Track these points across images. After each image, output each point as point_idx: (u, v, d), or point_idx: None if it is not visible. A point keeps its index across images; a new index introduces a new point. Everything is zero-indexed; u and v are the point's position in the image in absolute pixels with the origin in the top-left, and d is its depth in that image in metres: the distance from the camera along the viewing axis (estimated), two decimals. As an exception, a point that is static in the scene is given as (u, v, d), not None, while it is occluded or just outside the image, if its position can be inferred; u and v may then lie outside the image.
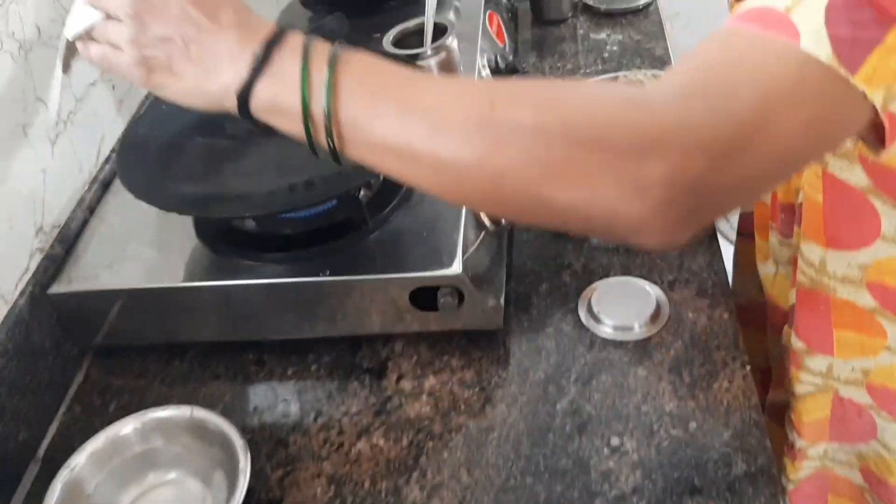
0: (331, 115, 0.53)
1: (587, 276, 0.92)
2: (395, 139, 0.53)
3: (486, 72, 1.11)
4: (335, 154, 0.55)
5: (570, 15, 1.39)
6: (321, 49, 0.54)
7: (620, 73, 1.15)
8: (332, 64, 0.53)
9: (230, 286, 0.84)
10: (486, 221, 0.90)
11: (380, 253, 0.84)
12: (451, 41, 1.03)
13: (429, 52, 1.02)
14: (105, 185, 0.98)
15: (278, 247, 0.86)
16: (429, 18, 1.06)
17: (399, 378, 0.85)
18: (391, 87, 0.54)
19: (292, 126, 0.55)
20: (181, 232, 0.89)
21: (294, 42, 0.55)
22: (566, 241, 0.97)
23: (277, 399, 0.85)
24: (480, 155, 0.51)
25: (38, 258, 0.87)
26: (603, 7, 1.38)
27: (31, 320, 0.84)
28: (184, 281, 0.85)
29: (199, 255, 0.88)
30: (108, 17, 0.60)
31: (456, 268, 0.80)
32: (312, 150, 0.56)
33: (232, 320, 0.88)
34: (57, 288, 0.86)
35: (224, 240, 0.87)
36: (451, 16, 1.20)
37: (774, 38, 0.48)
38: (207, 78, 0.57)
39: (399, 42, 1.06)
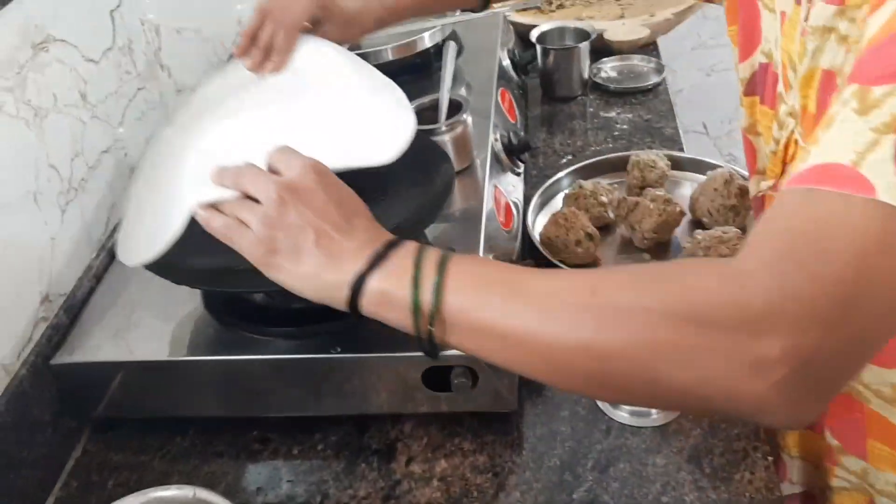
0: (438, 310, 0.56)
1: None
2: (500, 325, 0.55)
3: (498, 146, 1.11)
4: (433, 344, 0.58)
5: (580, 93, 1.40)
6: (434, 251, 0.59)
7: (632, 153, 1.15)
8: (444, 261, 0.57)
9: (236, 361, 0.82)
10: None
11: (393, 330, 0.82)
12: (466, 117, 1.03)
13: (443, 128, 1.02)
14: (113, 254, 0.97)
15: (288, 321, 0.84)
16: (443, 94, 1.06)
17: (409, 461, 0.82)
18: (496, 279, 0.57)
19: (400, 317, 0.59)
20: (188, 302, 0.87)
21: (411, 245, 0.60)
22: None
23: (282, 480, 0.82)
24: (587, 339, 0.51)
25: (42, 327, 0.85)
26: (613, 86, 1.40)
27: (32, 391, 0.81)
28: (188, 354, 0.83)
29: (205, 327, 0.86)
30: (245, 195, 0.64)
31: (471, 348, 0.78)
32: (418, 338, 0.59)
33: (236, 396, 0.85)
34: (59, 358, 0.84)
35: (232, 312, 0.85)
36: (464, 91, 1.21)
37: (851, 194, 0.47)
38: (328, 268, 0.60)
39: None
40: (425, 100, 1.08)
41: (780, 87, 0.69)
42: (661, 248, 1.04)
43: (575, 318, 0.52)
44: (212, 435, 0.87)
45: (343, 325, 0.82)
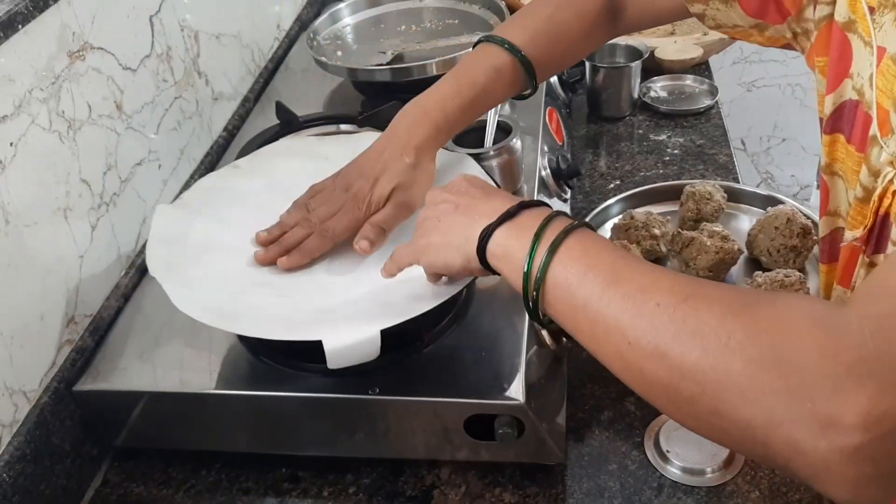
0: (545, 273, 0.57)
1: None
2: (593, 310, 0.55)
3: (546, 172, 1.06)
4: (536, 308, 0.59)
5: (628, 113, 1.35)
6: (562, 220, 0.60)
7: (686, 182, 1.09)
8: (565, 232, 0.58)
9: (267, 397, 0.77)
10: (548, 340, 0.83)
11: (434, 371, 0.77)
12: (515, 142, 0.98)
13: (491, 153, 0.97)
14: (143, 271, 0.93)
15: (323, 357, 0.79)
16: (491, 116, 1.01)
17: (445, 511, 0.77)
18: (604, 263, 0.56)
19: (514, 274, 0.60)
20: (219, 330, 0.83)
21: (544, 209, 0.62)
22: (629, 364, 0.90)
23: (311, 525, 0.78)
24: (664, 346, 0.50)
25: (66, 351, 0.81)
26: (663, 107, 1.34)
27: (53, 420, 0.77)
28: (217, 386, 0.78)
29: (236, 358, 0.81)
30: None
31: (518, 395, 0.73)
32: (525, 299, 0.59)
33: (266, 432, 0.81)
34: (83, 385, 0.80)
35: (266, 344, 0.80)
36: (509, 110, 1.16)
37: None
38: (466, 227, 0.64)
39: (459, 139, 1.01)
40: (476, 123, 1.03)
41: (875, 130, 0.64)
42: (715, 287, 0.99)
43: (659, 321, 0.50)
44: (239, 469, 0.83)
45: (382, 363, 0.77)
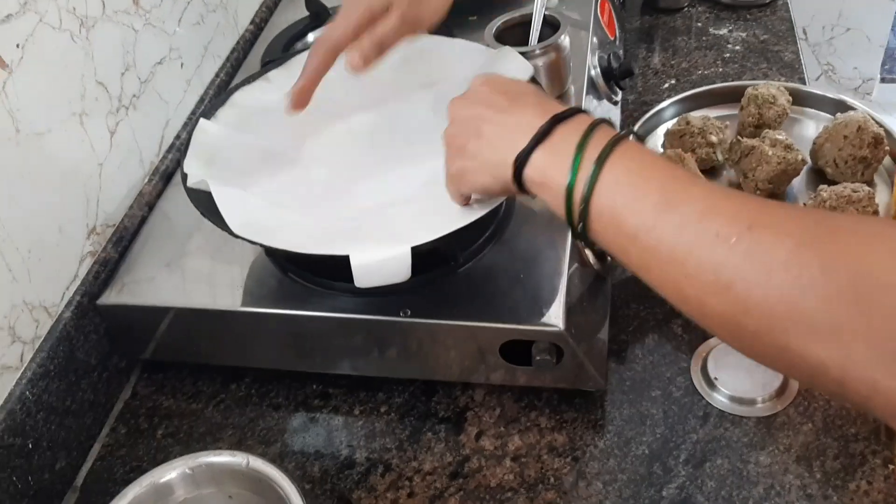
0: (589, 201, 0.52)
1: (701, 329, 0.80)
2: (644, 237, 0.50)
3: (596, 71, 0.98)
4: (585, 236, 0.54)
5: (686, 4, 1.24)
6: (603, 134, 0.54)
7: (748, 84, 1.00)
8: (608, 148, 0.52)
9: (295, 316, 0.74)
10: (591, 259, 0.78)
11: (468, 293, 0.73)
12: (563, 39, 0.90)
13: (537, 51, 0.89)
14: (167, 178, 0.89)
15: (352, 275, 0.75)
16: (537, 9, 0.92)
17: (479, 434, 0.75)
18: (656, 183, 0.51)
19: (555, 202, 0.55)
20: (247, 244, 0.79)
21: (580, 122, 0.55)
22: (677, 283, 0.85)
23: (342, 444, 0.75)
24: (726, 280, 0.45)
25: (88, 263, 0.78)
26: (725, -2, 1.23)
27: (77, 334, 0.75)
28: (244, 303, 0.75)
29: (264, 274, 0.78)
30: None
31: (557, 321, 0.69)
32: (571, 227, 0.54)
33: (296, 350, 0.78)
34: (107, 298, 0.78)
35: (294, 260, 0.76)
36: (557, 1, 1.07)
37: None
38: (499, 149, 0.58)
39: (501, 36, 0.93)
40: (515, 14, 0.95)
41: None
42: (775, 199, 0.92)
43: (720, 253, 0.46)
44: (269, 385, 0.81)
45: (414, 283, 0.73)
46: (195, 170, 0.74)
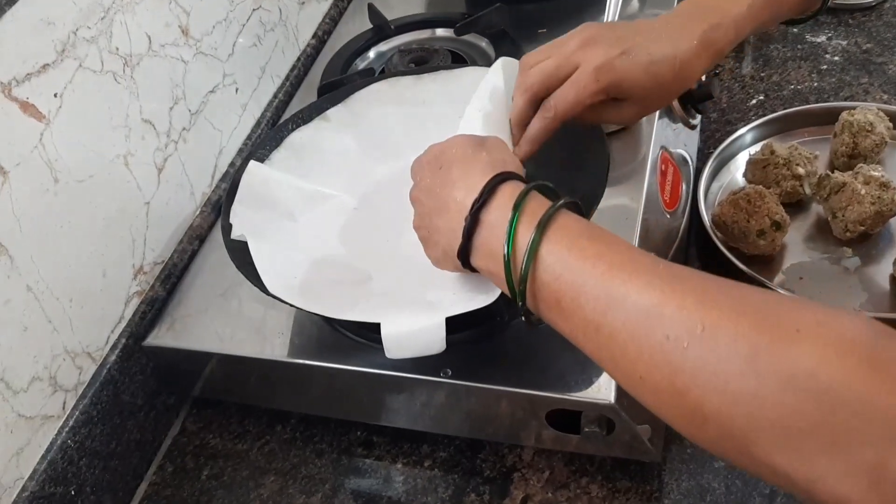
0: (527, 294, 0.50)
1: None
2: (595, 336, 0.46)
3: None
4: (528, 315, 0.52)
5: (782, 6, 1.13)
6: (528, 219, 0.50)
7: (843, 105, 0.91)
8: (542, 226, 0.49)
9: (337, 370, 0.71)
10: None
11: (514, 354, 0.69)
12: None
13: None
14: (219, 208, 0.87)
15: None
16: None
17: (525, 499, 0.71)
18: (597, 270, 0.47)
19: (497, 277, 0.52)
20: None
21: (502, 205, 0.52)
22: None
23: (384, 497, 0.73)
24: (682, 386, 0.42)
25: (135, 303, 0.77)
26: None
27: (122, 377, 0.75)
28: (287, 354, 0.73)
29: (309, 322, 0.75)
30: None
31: (608, 393, 0.64)
32: (514, 300, 0.52)
33: (339, 400, 0.76)
34: (153, 340, 0.77)
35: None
36: (632, 10, 1.00)
37: None
38: (446, 245, 0.56)
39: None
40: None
41: None
42: (867, 242, 0.83)
43: (674, 358, 0.42)
44: (314, 428, 0.79)
45: (458, 339, 0.69)
46: (240, 218, 0.72)
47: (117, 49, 0.73)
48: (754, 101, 1.02)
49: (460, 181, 0.54)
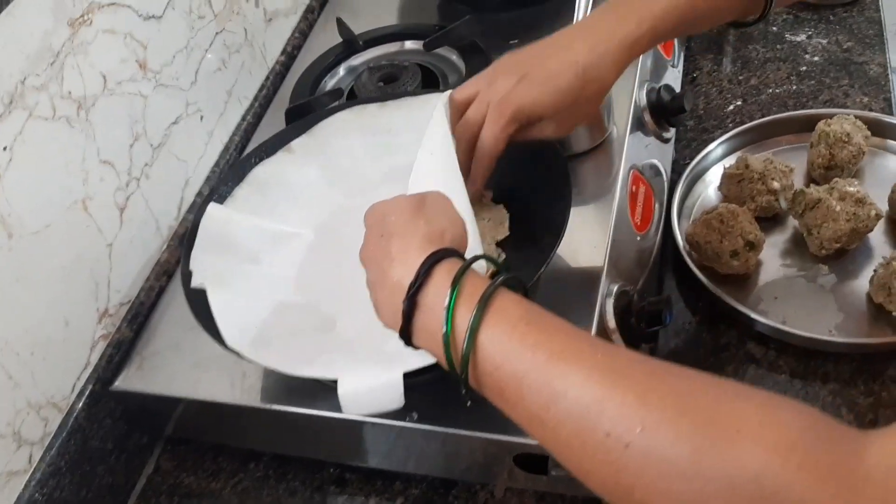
0: (469, 380, 0.49)
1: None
2: (540, 430, 0.45)
3: (643, 106, 0.89)
4: (468, 393, 0.50)
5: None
6: (465, 307, 0.48)
7: (820, 113, 0.89)
8: (480, 311, 0.48)
9: (305, 415, 0.70)
10: (618, 342, 0.71)
11: (480, 396, 0.67)
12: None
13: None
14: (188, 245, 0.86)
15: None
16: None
17: (497, 537, 0.70)
18: (538, 360, 0.46)
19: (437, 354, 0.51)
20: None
21: (438, 290, 0.50)
22: (723, 364, 0.77)
23: (355, 538, 0.73)
24: (627, 485, 0.41)
25: (101, 347, 0.77)
26: (807, -6, 1.09)
27: (90, 424, 0.74)
28: (262, 399, 0.72)
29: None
30: None
31: (574, 436, 0.63)
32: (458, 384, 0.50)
33: (311, 442, 0.75)
34: (121, 384, 0.76)
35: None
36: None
37: None
38: (387, 310, 0.54)
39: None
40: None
41: None
42: (843, 257, 0.82)
43: (616, 456, 0.41)
44: (288, 465, 0.79)
45: (424, 382, 0.68)
46: (200, 264, 0.70)
47: (70, 93, 0.71)
48: (731, 108, 1.00)
49: (398, 258, 0.53)
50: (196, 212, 0.75)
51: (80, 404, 0.73)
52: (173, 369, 0.76)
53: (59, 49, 0.70)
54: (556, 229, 0.67)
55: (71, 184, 0.72)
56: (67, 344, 0.73)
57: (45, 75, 0.69)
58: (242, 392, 0.73)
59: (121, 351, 0.78)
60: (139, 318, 0.80)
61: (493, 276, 0.51)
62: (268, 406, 0.72)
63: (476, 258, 0.52)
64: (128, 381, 0.76)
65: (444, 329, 0.49)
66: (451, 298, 0.49)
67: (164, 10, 0.83)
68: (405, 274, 0.51)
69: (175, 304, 0.82)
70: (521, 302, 0.49)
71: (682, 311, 0.83)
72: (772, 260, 0.84)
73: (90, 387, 0.75)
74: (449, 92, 0.72)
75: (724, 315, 0.80)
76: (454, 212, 0.58)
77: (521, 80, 0.64)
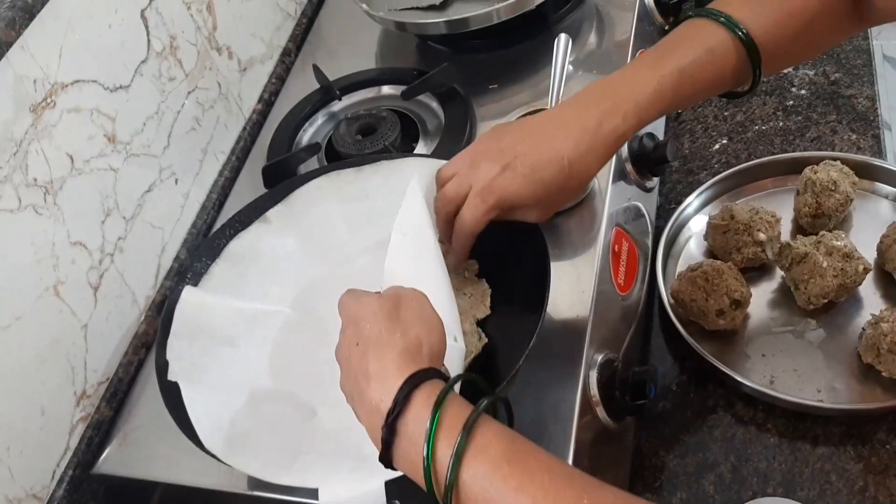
0: (450, 497, 0.47)
1: (737, 487, 0.72)
2: None
3: (626, 164, 0.87)
4: None
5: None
6: (452, 416, 0.48)
7: (806, 157, 0.87)
8: (460, 451, 0.47)
9: (286, 502, 0.69)
10: (602, 415, 0.71)
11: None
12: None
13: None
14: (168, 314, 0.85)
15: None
16: (555, 89, 0.82)
17: None
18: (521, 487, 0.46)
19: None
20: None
21: (418, 415, 0.49)
22: (711, 427, 0.76)
23: None
24: None
25: (80, 430, 0.76)
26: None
27: (72, 510, 0.74)
28: (248, 485, 0.71)
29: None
30: None
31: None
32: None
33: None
34: (103, 465, 0.75)
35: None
36: (588, 56, 0.96)
37: None
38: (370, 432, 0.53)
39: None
40: (532, 109, 0.85)
41: None
42: (832, 310, 0.80)
43: None
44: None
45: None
46: (176, 353, 0.69)
47: (35, 180, 0.70)
48: (717, 147, 0.98)
49: (376, 377, 0.51)
50: (171, 295, 0.73)
51: (61, 491, 0.73)
52: (155, 446, 0.75)
53: (22, 137, 0.68)
54: (536, 308, 0.65)
55: (41, 272, 0.71)
56: (45, 432, 0.72)
57: (7, 167, 0.67)
58: (222, 475, 0.72)
59: (101, 431, 0.77)
60: (118, 395, 0.79)
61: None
62: (249, 493, 0.71)
63: (456, 379, 0.51)
64: (108, 462, 0.76)
65: (425, 460, 0.48)
66: (431, 428, 0.48)
67: (132, 78, 0.81)
68: (383, 398, 0.50)
69: (154, 378, 0.80)
70: (503, 434, 0.48)
71: (671, 367, 0.82)
72: (759, 311, 0.82)
73: (70, 472, 0.74)
74: (424, 160, 0.70)
75: (711, 374, 0.79)
76: (430, 312, 0.57)
77: (505, 169, 0.63)
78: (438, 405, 0.48)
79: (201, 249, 0.78)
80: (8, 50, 0.66)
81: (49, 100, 0.71)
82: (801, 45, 0.68)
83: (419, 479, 0.49)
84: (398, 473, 0.57)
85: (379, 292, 0.59)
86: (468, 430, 0.47)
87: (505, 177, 0.63)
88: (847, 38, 0.80)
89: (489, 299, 0.73)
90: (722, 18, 0.64)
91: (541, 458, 0.47)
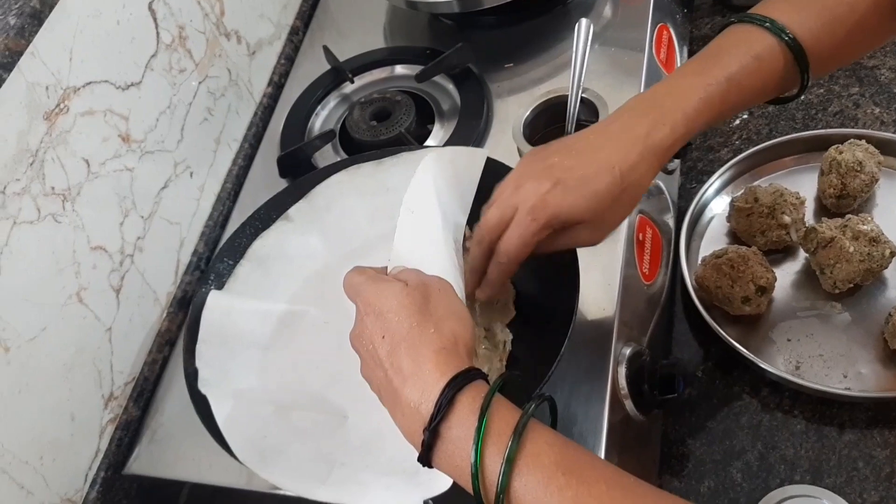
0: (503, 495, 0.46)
1: (764, 475, 0.72)
2: None
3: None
4: None
5: None
6: (500, 421, 0.48)
7: (830, 133, 0.86)
8: (511, 457, 0.46)
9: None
10: (631, 409, 0.71)
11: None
12: (603, 131, 0.78)
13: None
14: (187, 304, 0.85)
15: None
16: (573, 93, 0.80)
17: None
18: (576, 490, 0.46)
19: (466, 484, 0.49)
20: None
21: (465, 415, 0.48)
22: (737, 414, 0.76)
23: None
24: None
25: (109, 432, 0.76)
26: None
27: (106, 512, 0.74)
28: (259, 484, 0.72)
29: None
30: None
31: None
32: None
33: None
34: (133, 465, 0.76)
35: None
36: (603, 42, 0.94)
37: None
38: (404, 431, 0.52)
39: (533, 122, 0.82)
40: (551, 96, 0.83)
41: None
42: (857, 293, 0.80)
43: None
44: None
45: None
46: (205, 360, 0.69)
47: (53, 188, 0.69)
48: (737, 122, 0.96)
49: (412, 378, 0.50)
50: (195, 299, 0.73)
51: (94, 494, 0.73)
52: (183, 443, 0.76)
53: (38, 147, 0.67)
54: (566, 314, 0.65)
55: (63, 281, 0.70)
56: (76, 438, 0.72)
57: (25, 178, 0.66)
58: (248, 474, 0.72)
59: (130, 431, 0.77)
60: (145, 394, 0.79)
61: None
62: (275, 492, 0.71)
63: (500, 380, 0.49)
64: (139, 461, 0.76)
65: (473, 466, 0.47)
66: (479, 433, 0.47)
67: (143, 74, 0.79)
68: (423, 400, 0.49)
69: (179, 373, 0.80)
70: (555, 441, 0.48)
71: (695, 353, 0.82)
72: (784, 293, 0.82)
73: (102, 474, 0.74)
74: (438, 149, 0.68)
75: (736, 359, 0.78)
76: (459, 304, 0.56)
77: (556, 184, 0.59)
78: (485, 409, 0.47)
79: (223, 251, 0.77)
80: (20, 59, 0.64)
81: (62, 105, 0.70)
82: (849, 47, 0.65)
83: (463, 482, 0.49)
84: (438, 492, 0.57)
85: (396, 277, 0.57)
86: (518, 434, 0.47)
87: (557, 191, 0.59)
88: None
89: (512, 301, 0.72)
90: (767, 24, 0.61)
91: (597, 467, 0.47)
